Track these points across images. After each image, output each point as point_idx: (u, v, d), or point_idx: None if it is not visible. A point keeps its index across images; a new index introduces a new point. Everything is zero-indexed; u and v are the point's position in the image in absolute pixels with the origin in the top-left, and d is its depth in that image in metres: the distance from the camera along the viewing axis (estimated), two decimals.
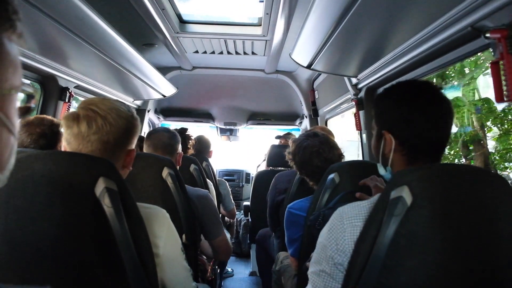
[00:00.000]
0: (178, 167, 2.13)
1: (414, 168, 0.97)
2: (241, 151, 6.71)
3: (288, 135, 4.58)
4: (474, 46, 1.37)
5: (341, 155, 1.95)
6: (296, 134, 4.83)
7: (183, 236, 1.75)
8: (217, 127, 5.05)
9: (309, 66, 2.18)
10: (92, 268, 1.01)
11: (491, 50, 1.15)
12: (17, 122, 0.51)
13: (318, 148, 1.87)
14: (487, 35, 1.11)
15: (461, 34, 1.31)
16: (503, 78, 1.03)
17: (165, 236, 1.20)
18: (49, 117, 1.86)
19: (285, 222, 2.00)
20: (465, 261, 0.94)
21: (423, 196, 0.93)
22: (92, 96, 2.87)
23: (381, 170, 1.19)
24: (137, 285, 1.02)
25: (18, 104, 0.52)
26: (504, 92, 1.02)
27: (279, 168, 3.79)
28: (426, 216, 0.93)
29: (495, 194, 0.95)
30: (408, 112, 1.08)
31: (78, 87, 2.55)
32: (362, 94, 2.48)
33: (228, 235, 2.20)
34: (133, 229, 1.03)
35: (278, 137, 4.60)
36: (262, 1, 2.03)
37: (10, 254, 0.96)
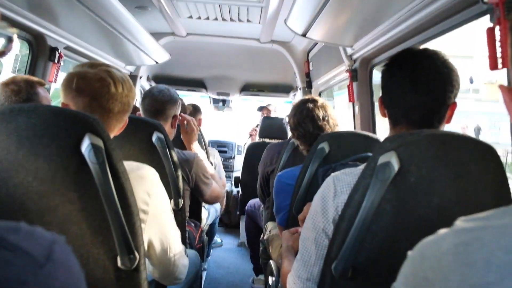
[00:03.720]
0: (174, 131, 2.13)
1: (403, 134, 0.98)
2: (234, 123, 6.70)
3: (268, 105, 4.69)
4: (471, 13, 1.34)
5: (336, 126, 1.95)
6: (286, 106, 4.84)
7: (172, 201, 1.75)
8: (210, 97, 5.00)
9: (304, 34, 2.15)
10: (76, 223, 1.00)
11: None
12: None
13: (314, 113, 1.87)
14: (485, 0, 1.09)
15: (459, 0, 1.28)
16: (498, 44, 1.01)
17: (155, 194, 1.20)
18: (25, 76, 1.83)
19: (274, 190, 2.01)
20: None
21: (410, 161, 0.93)
22: (83, 59, 2.81)
23: None
24: (121, 243, 1.02)
25: None
26: (499, 59, 1.01)
27: (270, 140, 3.79)
28: (412, 182, 0.93)
29: (482, 162, 0.95)
30: (385, 79, 1.15)
31: (68, 48, 2.49)
32: (356, 65, 2.46)
33: (215, 184, 2.24)
34: (119, 186, 1.02)
35: (260, 108, 4.62)
36: None
37: None
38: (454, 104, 1.09)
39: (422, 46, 1.76)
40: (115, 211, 1.00)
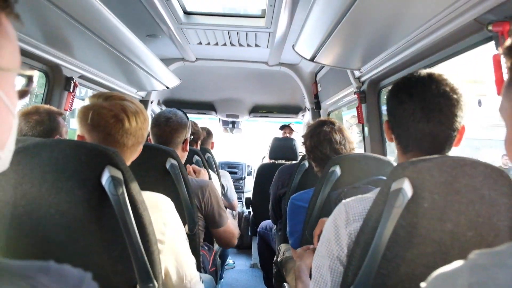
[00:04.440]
0: (185, 154, 2.12)
1: (415, 160, 0.98)
2: (243, 144, 6.73)
3: (290, 124, 4.68)
4: (476, 39, 1.37)
5: (352, 150, 1.95)
6: (298, 127, 4.87)
7: (186, 226, 1.76)
8: (219, 119, 5.06)
9: (312, 59, 2.19)
10: (97, 253, 1.03)
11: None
12: (15, 101, 0.51)
13: (331, 136, 1.88)
14: (490, 28, 1.12)
15: (464, 27, 1.31)
16: (504, 71, 1.03)
17: (171, 224, 1.22)
18: (46, 106, 1.89)
19: (287, 212, 2.02)
20: (464, 253, 0.95)
21: (423, 188, 0.95)
22: (96, 87, 2.88)
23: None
24: (141, 272, 1.04)
25: (16, 85, 0.52)
26: None
27: (281, 161, 3.81)
28: (426, 208, 0.95)
29: (494, 187, 0.96)
30: (393, 106, 1.13)
31: (82, 77, 2.56)
32: (364, 87, 2.49)
33: (232, 221, 2.18)
34: (137, 217, 1.04)
35: (282, 127, 4.64)
36: None
37: (17, 239, 0.99)
38: (463, 127, 1.09)
39: (430, 70, 1.80)
40: (134, 241, 1.02)
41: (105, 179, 1.00)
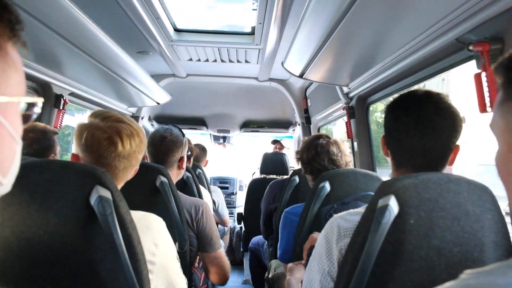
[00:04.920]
0: (182, 172, 2.10)
1: (401, 177, 1.00)
2: (235, 159, 6.73)
3: (282, 139, 4.71)
4: (459, 58, 1.41)
5: (348, 163, 1.97)
6: (289, 142, 4.89)
7: (176, 244, 1.75)
8: (210, 134, 5.07)
9: (301, 75, 2.22)
10: (85, 274, 1.02)
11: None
12: (20, 129, 0.52)
13: (328, 148, 1.90)
14: (470, 47, 1.15)
15: (447, 46, 1.35)
16: (486, 89, 1.06)
17: (162, 244, 1.21)
18: (42, 124, 1.89)
19: (280, 225, 2.02)
20: (450, 268, 0.96)
21: (409, 204, 0.96)
22: (87, 104, 2.88)
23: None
24: None
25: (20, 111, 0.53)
26: (487, 103, 1.05)
27: (272, 176, 3.82)
28: (412, 224, 0.96)
29: (478, 203, 0.98)
30: (389, 121, 1.16)
31: (72, 94, 2.57)
32: (353, 102, 2.52)
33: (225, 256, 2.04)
34: (126, 236, 1.04)
35: (273, 142, 4.67)
36: (256, 10, 2.06)
37: (5, 260, 0.98)
38: (457, 147, 1.11)
39: (416, 86, 1.84)
40: (123, 261, 1.02)
41: (93, 199, 1.00)
